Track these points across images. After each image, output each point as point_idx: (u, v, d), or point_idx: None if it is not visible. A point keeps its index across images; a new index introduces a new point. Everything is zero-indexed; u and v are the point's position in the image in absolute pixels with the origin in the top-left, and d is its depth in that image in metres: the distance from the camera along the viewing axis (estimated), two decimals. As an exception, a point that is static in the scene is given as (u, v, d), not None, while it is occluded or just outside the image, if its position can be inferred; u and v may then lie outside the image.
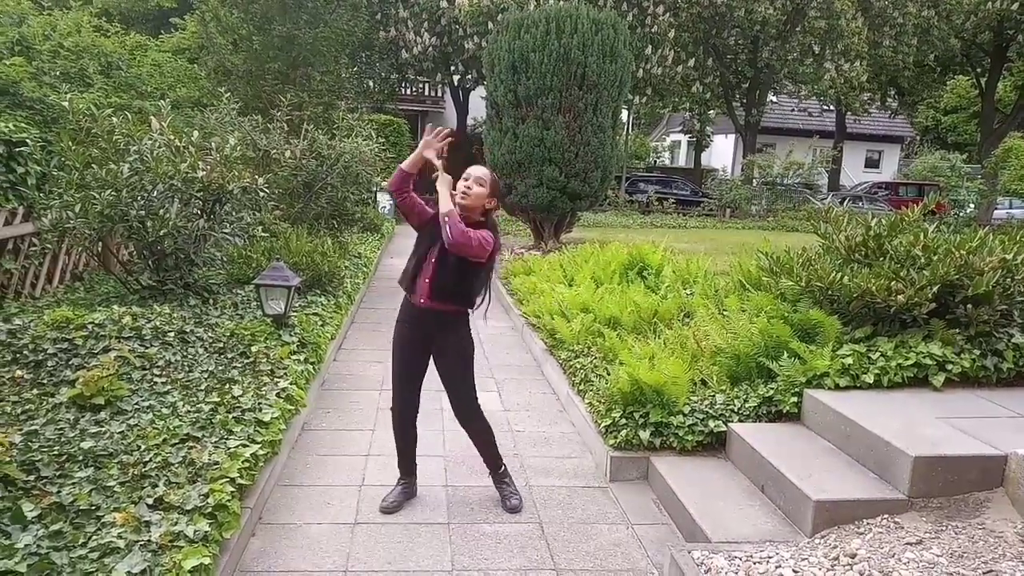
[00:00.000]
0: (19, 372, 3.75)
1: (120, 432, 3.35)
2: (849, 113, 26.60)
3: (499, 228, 3.51)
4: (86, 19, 13.55)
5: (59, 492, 2.79)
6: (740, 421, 3.99)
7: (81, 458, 3.08)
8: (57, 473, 2.94)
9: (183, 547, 2.58)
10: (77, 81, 11.66)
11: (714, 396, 4.17)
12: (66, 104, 5.54)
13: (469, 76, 23.18)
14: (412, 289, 3.33)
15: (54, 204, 5.04)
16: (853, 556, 2.75)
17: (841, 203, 20.76)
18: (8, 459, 2.83)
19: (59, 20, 13.00)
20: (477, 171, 3.34)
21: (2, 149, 5.44)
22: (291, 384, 4.26)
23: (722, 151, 35.47)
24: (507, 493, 3.60)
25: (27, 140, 5.63)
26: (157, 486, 2.94)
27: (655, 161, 34.89)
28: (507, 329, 7.23)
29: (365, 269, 9.12)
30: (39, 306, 5.18)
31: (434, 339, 3.41)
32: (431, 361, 3.48)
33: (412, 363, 3.47)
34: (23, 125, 5.99)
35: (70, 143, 5.28)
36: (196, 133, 5.77)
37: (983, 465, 3.13)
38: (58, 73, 11.27)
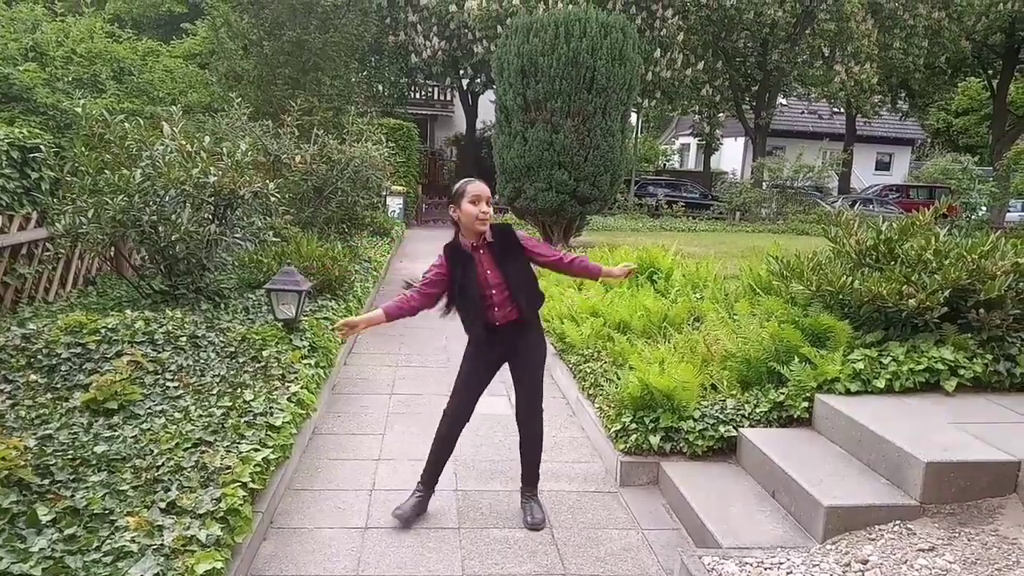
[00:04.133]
0: (33, 376, 3.78)
1: (133, 436, 3.38)
2: (859, 115, 26.51)
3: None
4: (99, 25, 13.67)
5: (73, 496, 2.82)
6: (751, 426, 3.98)
7: (95, 462, 3.11)
8: (71, 477, 2.97)
9: (196, 551, 2.60)
10: (90, 87, 11.77)
11: (724, 401, 4.16)
12: (79, 110, 5.60)
13: (478, 80, 23.25)
14: (487, 322, 3.33)
15: (67, 209, 5.09)
16: (865, 562, 2.74)
17: (852, 206, 20.68)
18: (23, 463, 2.86)
19: (72, 26, 13.11)
20: (483, 191, 3.21)
21: (16, 155, 5.50)
22: (302, 388, 4.27)
23: (731, 154, 35.41)
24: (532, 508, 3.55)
25: (41, 146, 5.69)
26: (170, 490, 2.96)
27: (664, 164, 34.93)
28: (516, 333, 7.22)
29: (375, 273, 9.14)
30: (53, 311, 5.23)
31: (515, 348, 3.45)
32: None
33: (485, 377, 3.51)
34: (37, 131, 6.06)
35: (83, 149, 5.33)
36: (207, 138, 5.81)
37: (996, 471, 3.11)
38: (71, 79, 11.37)
